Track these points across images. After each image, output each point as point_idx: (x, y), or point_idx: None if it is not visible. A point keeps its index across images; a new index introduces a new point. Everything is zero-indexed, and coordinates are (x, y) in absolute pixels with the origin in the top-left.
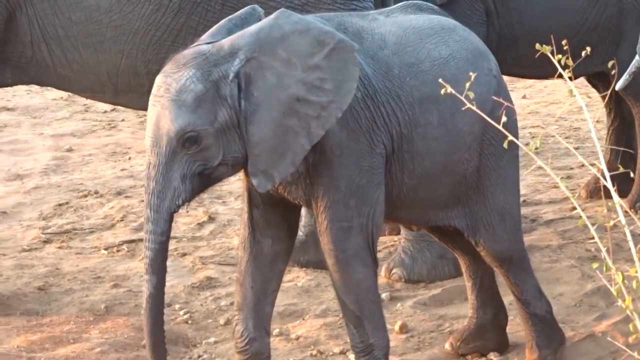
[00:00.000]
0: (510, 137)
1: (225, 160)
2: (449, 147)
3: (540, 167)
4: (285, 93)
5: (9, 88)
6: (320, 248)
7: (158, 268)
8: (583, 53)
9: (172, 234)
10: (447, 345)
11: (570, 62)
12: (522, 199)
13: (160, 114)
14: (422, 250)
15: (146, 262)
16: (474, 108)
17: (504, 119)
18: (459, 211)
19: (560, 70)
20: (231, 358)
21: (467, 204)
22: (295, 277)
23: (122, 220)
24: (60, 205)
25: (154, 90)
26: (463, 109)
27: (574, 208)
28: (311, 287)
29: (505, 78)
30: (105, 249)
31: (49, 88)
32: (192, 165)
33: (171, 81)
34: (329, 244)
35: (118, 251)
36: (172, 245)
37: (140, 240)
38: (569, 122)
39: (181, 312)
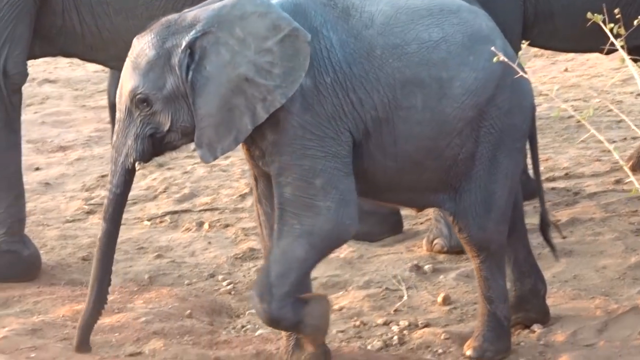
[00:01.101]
0: (570, 111)
1: (175, 128)
2: (434, 132)
3: (582, 140)
4: (235, 71)
5: (50, 60)
6: (363, 220)
7: (110, 218)
8: (635, 22)
9: (215, 205)
10: None
11: (622, 31)
12: (564, 172)
13: (123, 74)
14: None
15: (103, 210)
16: (526, 75)
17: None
18: (449, 195)
19: (612, 39)
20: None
21: (457, 189)
22: (338, 249)
23: (164, 192)
24: (103, 176)
25: None
26: (516, 76)
27: (617, 181)
28: (354, 258)
29: (546, 52)
30: (148, 220)
31: None
32: (145, 127)
33: (136, 44)
34: (290, 212)
35: (161, 222)
36: (214, 216)
37: (183, 211)
38: (611, 95)
39: (224, 283)
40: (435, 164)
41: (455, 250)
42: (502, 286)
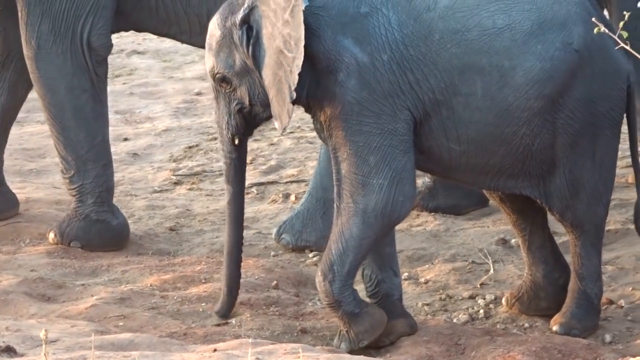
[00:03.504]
0: None
1: (254, 102)
2: (497, 119)
3: None
4: (274, 44)
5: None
6: (449, 193)
7: (231, 180)
8: None
9: (301, 177)
10: (503, 301)
11: None
12: None
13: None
14: None
15: (224, 175)
16: (627, 47)
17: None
18: (530, 182)
19: None
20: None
21: (540, 177)
22: (424, 222)
23: (251, 163)
24: (190, 147)
25: None
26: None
27: None
28: (440, 231)
29: None
30: None
31: None
32: (232, 103)
33: (209, 25)
34: (346, 190)
35: (247, 194)
36: (301, 188)
37: (270, 183)
38: None
39: (310, 255)
40: (503, 150)
41: (300, 248)
42: (596, 265)
